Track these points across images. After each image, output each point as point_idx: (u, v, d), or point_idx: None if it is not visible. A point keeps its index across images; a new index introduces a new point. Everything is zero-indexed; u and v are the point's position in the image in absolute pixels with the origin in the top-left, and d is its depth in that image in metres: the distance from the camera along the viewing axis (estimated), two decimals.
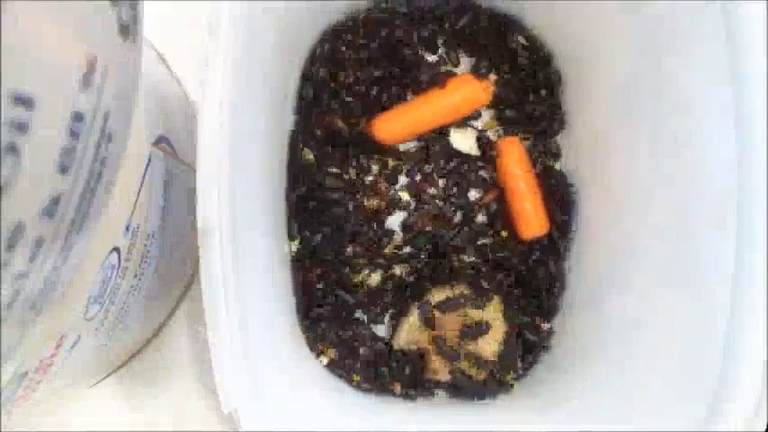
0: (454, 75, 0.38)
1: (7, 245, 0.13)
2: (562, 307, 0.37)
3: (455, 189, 0.38)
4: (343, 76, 0.37)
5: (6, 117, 0.12)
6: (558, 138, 0.39)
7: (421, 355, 0.36)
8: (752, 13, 0.26)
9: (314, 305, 0.36)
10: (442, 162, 0.38)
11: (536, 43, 0.38)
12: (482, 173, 0.39)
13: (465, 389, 0.36)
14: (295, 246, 0.37)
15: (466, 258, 0.38)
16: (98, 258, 0.22)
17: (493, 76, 0.38)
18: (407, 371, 0.36)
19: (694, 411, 0.26)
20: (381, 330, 0.38)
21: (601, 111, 0.36)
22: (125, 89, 0.17)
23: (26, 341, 0.18)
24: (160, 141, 0.28)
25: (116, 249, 0.23)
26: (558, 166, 0.39)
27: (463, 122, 0.38)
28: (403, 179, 0.38)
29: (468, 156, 0.38)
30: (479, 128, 0.39)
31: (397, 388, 0.36)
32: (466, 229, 0.38)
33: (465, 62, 0.39)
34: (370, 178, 0.38)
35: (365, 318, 0.38)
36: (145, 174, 0.25)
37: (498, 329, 0.36)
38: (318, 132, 0.37)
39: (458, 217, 0.38)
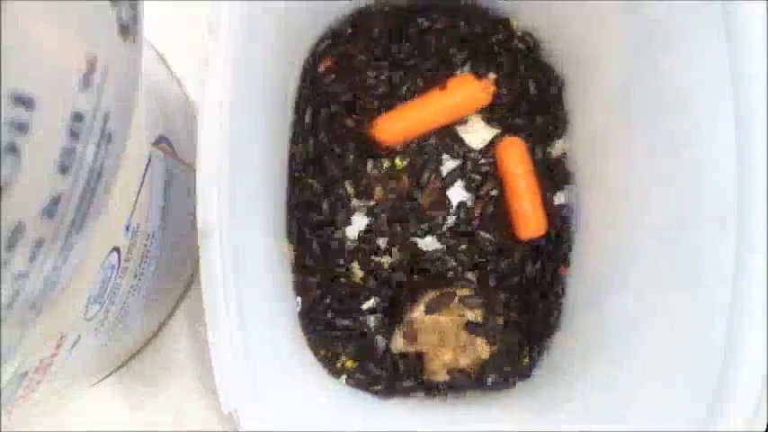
0: (454, 75, 0.38)
1: (7, 245, 0.14)
2: (561, 307, 0.37)
3: (455, 190, 0.38)
4: (344, 75, 0.37)
5: (6, 117, 0.12)
6: (561, 142, 0.39)
7: (419, 357, 0.36)
8: (752, 13, 0.26)
9: (313, 305, 0.36)
10: (442, 162, 0.38)
11: (536, 45, 0.38)
12: (484, 169, 0.38)
13: (463, 390, 0.36)
14: (294, 246, 0.37)
15: (463, 259, 0.38)
16: (98, 258, 0.22)
17: (492, 76, 0.38)
18: (405, 372, 0.36)
19: (694, 411, 0.26)
20: (381, 330, 0.38)
21: (599, 111, 0.36)
22: (125, 89, 0.17)
23: (26, 341, 0.18)
24: (160, 141, 0.28)
25: (116, 249, 0.23)
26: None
27: (464, 121, 0.38)
28: (403, 180, 0.38)
29: (467, 157, 0.38)
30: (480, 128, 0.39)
31: (397, 388, 0.36)
32: (464, 229, 0.38)
33: (465, 61, 0.39)
34: (370, 179, 0.38)
35: (364, 319, 0.38)
36: (145, 174, 0.25)
37: (496, 330, 0.36)
38: (318, 132, 0.37)
39: (458, 217, 0.38)
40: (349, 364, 0.36)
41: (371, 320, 0.38)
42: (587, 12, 0.34)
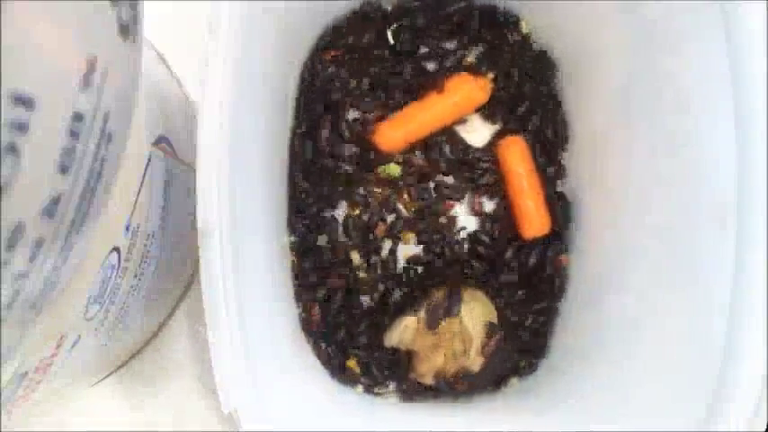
0: (454, 74, 0.38)
1: (7, 245, 0.14)
2: (561, 307, 0.37)
3: (455, 188, 0.38)
4: (344, 75, 0.37)
5: (6, 117, 0.12)
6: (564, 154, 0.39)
7: (408, 356, 0.36)
8: (752, 13, 0.26)
9: (313, 305, 0.36)
10: (442, 161, 0.38)
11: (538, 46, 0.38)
12: (486, 167, 0.38)
13: (447, 396, 0.36)
14: (294, 246, 0.37)
15: (468, 260, 0.38)
16: (98, 258, 0.22)
17: (491, 74, 0.38)
18: (394, 368, 0.36)
19: (694, 411, 0.26)
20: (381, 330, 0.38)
21: (599, 111, 0.36)
22: (125, 89, 0.17)
23: (26, 341, 0.18)
24: (160, 141, 0.28)
25: (116, 249, 0.23)
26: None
27: (464, 121, 0.38)
28: (403, 182, 0.38)
29: (467, 155, 0.38)
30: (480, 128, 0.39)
31: (390, 386, 0.36)
32: (467, 229, 0.38)
33: (464, 61, 0.39)
34: (369, 180, 0.38)
35: (365, 318, 0.38)
36: (145, 174, 0.25)
37: (493, 334, 0.36)
38: (319, 132, 0.37)
39: (459, 218, 0.38)
40: (350, 364, 0.36)
41: (371, 320, 0.38)
42: (587, 11, 0.34)
